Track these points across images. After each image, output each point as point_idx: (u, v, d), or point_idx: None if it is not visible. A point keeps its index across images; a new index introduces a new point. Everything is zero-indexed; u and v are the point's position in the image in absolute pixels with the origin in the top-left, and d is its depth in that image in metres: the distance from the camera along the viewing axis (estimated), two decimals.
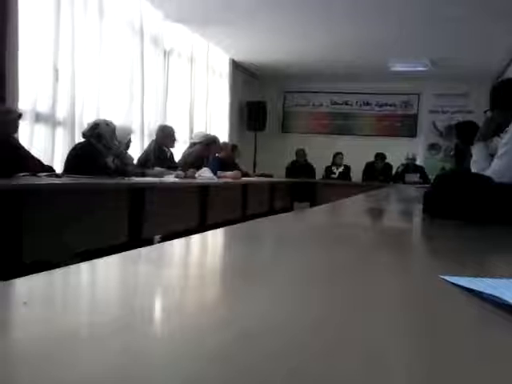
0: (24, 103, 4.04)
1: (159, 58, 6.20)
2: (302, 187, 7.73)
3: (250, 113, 8.89)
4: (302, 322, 0.43)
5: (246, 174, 6.35)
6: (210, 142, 5.51)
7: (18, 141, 3.58)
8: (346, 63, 7.93)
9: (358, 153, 8.53)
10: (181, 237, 0.87)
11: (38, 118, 4.28)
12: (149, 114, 5.90)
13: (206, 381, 0.31)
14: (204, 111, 7.49)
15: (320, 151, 8.68)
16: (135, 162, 4.70)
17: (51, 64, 4.39)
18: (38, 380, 0.30)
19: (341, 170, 8.42)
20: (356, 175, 8.36)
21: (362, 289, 0.58)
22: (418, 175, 7.68)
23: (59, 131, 4.56)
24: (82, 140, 3.97)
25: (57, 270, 0.56)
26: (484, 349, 0.39)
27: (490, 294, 0.50)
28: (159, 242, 4.01)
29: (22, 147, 3.54)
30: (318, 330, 0.41)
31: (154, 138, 5.19)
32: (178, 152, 5.54)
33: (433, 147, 8.94)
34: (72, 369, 0.31)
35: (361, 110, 9.38)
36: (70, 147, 4.16)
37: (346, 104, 9.42)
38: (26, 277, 0.51)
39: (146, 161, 4.80)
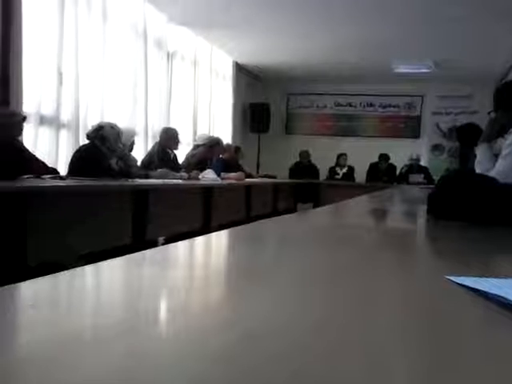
0: (28, 106, 4.06)
1: (163, 61, 6.22)
2: (305, 188, 7.72)
3: (254, 115, 8.91)
4: (306, 324, 0.43)
5: (249, 176, 6.36)
6: (213, 144, 5.52)
7: (22, 143, 3.59)
8: (350, 65, 7.93)
9: (361, 154, 8.53)
10: (185, 238, 0.88)
11: (43, 120, 4.30)
12: (152, 116, 5.92)
13: (210, 382, 0.31)
14: (207, 113, 7.50)
15: (324, 152, 8.69)
16: (139, 163, 4.71)
17: (55, 67, 4.41)
18: (44, 382, 0.30)
19: (344, 170, 8.41)
20: (360, 176, 8.35)
21: (366, 290, 0.58)
22: (422, 176, 7.66)
23: (63, 134, 4.57)
24: (86, 142, 3.99)
25: (62, 272, 0.56)
26: (489, 349, 0.39)
27: (495, 294, 0.50)
28: (163, 244, 4.01)
29: (27, 150, 3.55)
30: (321, 332, 0.41)
31: (157, 140, 5.20)
32: (181, 154, 5.55)
33: (436, 148, 8.92)
34: (77, 371, 0.31)
35: (364, 112, 9.38)
36: (74, 150, 4.17)
37: (350, 105, 9.42)
38: (32, 280, 0.51)
39: (150, 163, 4.81)
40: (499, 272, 0.74)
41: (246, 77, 8.87)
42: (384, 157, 8.23)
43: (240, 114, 8.76)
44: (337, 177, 8.36)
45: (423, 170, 7.92)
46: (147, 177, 4.22)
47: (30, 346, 0.35)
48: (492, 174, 1.74)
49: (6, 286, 0.48)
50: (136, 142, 4.64)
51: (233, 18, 6.03)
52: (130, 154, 4.35)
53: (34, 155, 3.62)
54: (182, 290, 0.55)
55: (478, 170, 1.98)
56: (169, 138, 5.06)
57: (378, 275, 0.68)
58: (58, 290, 0.56)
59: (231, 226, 1.13)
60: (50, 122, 4.40)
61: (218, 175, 5.15)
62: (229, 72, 8.20)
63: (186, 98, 6.84)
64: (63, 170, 4.04)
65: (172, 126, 5.67)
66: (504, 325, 0.45)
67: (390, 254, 0.91)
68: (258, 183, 5.97)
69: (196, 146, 5.65)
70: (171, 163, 4.96)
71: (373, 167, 8.30)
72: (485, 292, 0.52)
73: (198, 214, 4.19)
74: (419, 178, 7.58)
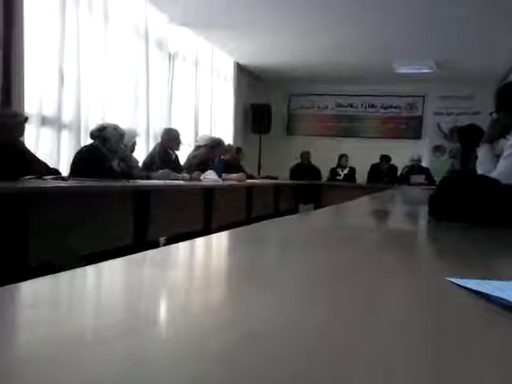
0: (30, 107, 4.06)
1: (164, 62, 6.22)
2: (306, 189, 7.73)
3: (255, 115, 8.91)
4: (307, 325, 0.43)
5: (250, 177, 6.36)
6: (214, 145, 5.52)
7: (24, 144, 3.60)
8: (351, 66, 7.93)
9: (363, 155, 8.53)
10: (186, 239, 0.87)
11: (44, 121, 4.30)
12: (154, 116, 5.92)
13: (211, 383, 0.31)
14: (209, 114, 7.50)
15: (325, 153, 8.69)
16: (140, 164, 4.71)
17: (57, 68, 4.41)
18: (44, 383, 0.30)
19: (346, 171, 8.42)
20: (361, 177, 8.35)
21: (368, 291, 0.57)
22: (424, 177, 7.66)
23: (65, 134, 4.58)
24: (88, 143, 4.00)
25: (62, 273, 0.56)
26: (491, 352, 0.39)
27: (498, 297, 0.50)
28: (164, 245, 4.02)
29: (28, 150, 3.56)
30: (322, 333, 0.41)
31: (159, 140, 5.20)
32: (183, 155, 5.55)
33: (438, 149, 8.92)
34: (77, 372, 0.31)
35: (366, 113, 9.38)
36: (76, 150, 4.18)
37: (351, 106, 9.42)
38: (32, 280, 0.51)
39: (151, 163, 4.82)
40: (501, 274, 0.74)
41: (248, 77, 8.88)
42: (385, 158, 8.23)
43: (241, 114, 8.76)
44: (338, 178, 8.36)
45: (424, 171, 7.92)
46: (149, 178, 4.22)
47: (30, 346, 0.35)
48: (494, 174, 1.74)
49: (6, 286, 0.48)
50: (137, 142, 4.65)
51: (234, 18, 6.04)
52: (131, 155, 4.36)
53: (36, 156, 3.63)
54: (182, 291, 0.55)
55: (479, 171, 1.98)
56: (170, 138, 5.06)
57: (380, 277, 0.67)
58: (58, 290, 0.55)
59: (232, 227, 1.13)
60: (52, 122, 4.41)
61: (220, 176, 5.15)
62: (230, 73, 8.20)
63: (188, 99, 6.85)
64: (65, 170, 4.05)
65: (173, 126, 5.68)
66: (506, 327, 0.45)
67: (392, 255, 0.91)
68: (259, 184, 5.97)
69: (197, 147, 5.66)
70: (172, 164, 4.96)
71: (374, 168, 8.30)
72: (487, 294, 0.51)
73: (199, 214, 4.19)
74: (420, 179, 7.58)
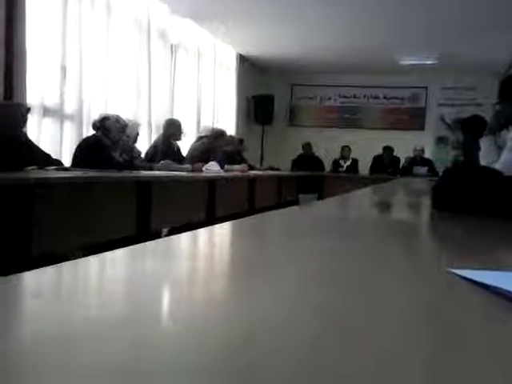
0: (32, 98, 4.06)
1: (166, 53, 6.21)
2: (309, 181, 7.72)
3: (257, 106, 8.88)
4: (310, 318, 0.43)
5: (252, 168, 6.36)
6: (217, 135, 5.52)
7: (26, 135, 3.60)
8: (354, 56, 7.90)
9: (365, 146, 8.51)
10: (188, 230, 0.88)
11: (46, 112, 4.30)
12: (156, 108, 5.91)
13: (211, 374, 0.31)
14: (211, 105, 7.49)
15: (328, 144, 8.68)
16: (143, 155, 4.72)
17: (59, 59, 4.41)
18: (48, 372, 0.30)
19: (348, 163, 8.40)
20: (364, 168, 8.34)
21: (369, 285, 0.58)
22: (427, 168, 7.64)
23: (67, 125, 4.58)
24: (90, 134, 4.00)
25: (65, 263, 0.57)
26: (493, 343, 0.39)
27: (499, 288, 0.50)
28: (167, 235, 4.03)
29: (31, 141, 3.56)
30: (323, 320, 0.41)
31: (161, 131, 5.20)
32: (185, 145, 5.55)
33: (441, 140, 8.89)
34: (80, 362, 0.31)
35: (369, 104, 9.34)
36: (78, 141, 4.18)
37: (354, 97, 9.38)
38: (36, 270, 0.51)
39: (154, 154, 4.82)
40: (504, 265, 0.74)
41: (250, 68, 8.85)
42: (388, 149, 8.21)
43: (244, 105, 8.74)
44: (340, 169, 8.35)
45: (427, 163, 7.90)
46: (151, 168, 4.22)
47: (35, 335, 0.35)
48: (496, 166, 1.74)
49: (9, 276, 0.48)
50: (140, 133, 4.64)
51: (236, 9, 6.01)
52: (134, 146, 4.36)
53: (38, 147, 3.63)
54: (185, 283, 0.55)
55: (482, 162, 1.98)
56: (172, 129, 5.06)
57: (382, 270, 0.67)
58: (61, 280, 0.56)
59: (235, 217, 1.13)
60: (54, 113, 4.41)
61: (222, 167, 5.15)
62: (232, 64, 8.18)
63: (190, 90, 6.83)
64: (67, 161, 4.06)
65: (176, 117, 5.67)
66: (507, 318, 0.45)
67: (394, 247, 0.91)
68: (261, 175, 5.97)
69: (199, 138, 5.66)
70: (175, 155, 4.97)
71: (377, 159, 8.28)
72: (489, 285, 0.51)
73: (201, 205, 4.20)
74: (423, 170, 7.56)
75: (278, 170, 7.29)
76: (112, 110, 4.67)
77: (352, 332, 0.39)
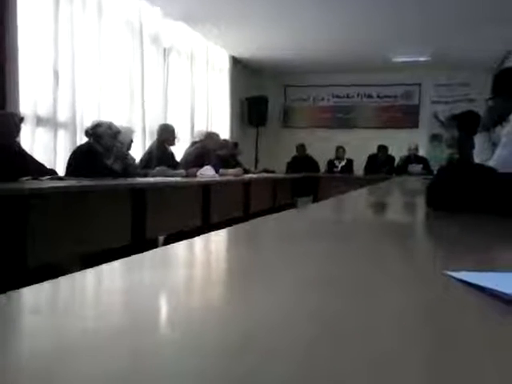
0: (25, 107, 4.04)
1: (159, 57, 6.20)
2: (304, 182, 7.72)
3: (251, 108, 8.88)
4: (306, 322, 0.43)
5: (247, 171, 6.35)
6: (208, 136, 5.54)
7: (19, 145, 3.59)
8: (347, 55, 7.91)
9: (360, 146, 8.52)
10: (184, 236, 0.88)
11: (39, 121, 4.29)
12: (150, 112, 5.90)
13: (210, 380, 0.31)
14: (205, 108, 7.48)
15: (322, 145, 8.68)
16: (138, 162, 4.71)
17: (51, 66, 4.39)
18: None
19: (343, 163, 8.41)
20: (359, 168, 8.35)
21: (365, 289, 0.58)
22: (421, 166, 7.66)
23: (61, 134, 4.56)
24: (83, 142, 3.98)
25: (63, 277, 0.57)
26: (489, 344, 0.39)
27: (494, 289, 0.50)
28: (163, 242, 4.02)
29: (24, 151, 3.54)
30: (320, 324, 0.41)
31: (155, 137, 5.19)
32: (179, 151, 5.54)
33: (435, 138, 8.90)
34: (79, 377, 0.31)
35: (362, 103, 9.35)
36: (72, 150, 4.16)
37: (347, 97, 9.39)
38: (33, 286, 0.51)
39: (149, 160, 4.81)
40: (499, 264, 0.75)
41: (243, 70, 8.85)
42: (382, 148, 8.22)
43: (237, 107, 8.74)
44: (335, 170, 8.36)
45: (421, 161, 7.91)
46: (145, 175, 4.21)
47: (34, 350, 0.35)
48: (491, 163, 1.74)
49: (7, 293, 0.48)
50: (134, 139, 4.63)
51: (228, 11, 6.01)
52: (128, 153, 4.35)
53: (32, 156, 3.62)
54: (184, 292, 0.55)
55: (476, 160, 1.98)
56: (166, 134, 5.06)
57: (378, 272, 0.68)
58: (58, 294, 0.56)
59: (231, 222, 1.13)
60: (47, 122, 4.39)
61: (217, 171, 5.14)
62: (225, 66, 8.18)
63: (183, 94, 6.82)
64: (61, 170, 4.04)
65: (169, 122, 5.66)
66: (503, 320, 0.45)
67: (390, 248, 0.91)
68: (256, 179, 5.96)
69: (193, 143, 5.66)
70: (169, 160, 4.96)
71: (371, 159, 8.29)
72: (484, 287, 0.52)
73: (197, 211, 4.19)
74: (418, 168, 7.58)
75: (272, 172, 7.29)
76: (105, 117, 4.66)
77: (348, 336, 0.39)
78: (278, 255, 0.80)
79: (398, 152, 8.19)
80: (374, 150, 8.29)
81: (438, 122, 8.84)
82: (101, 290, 0.59)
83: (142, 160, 4.86)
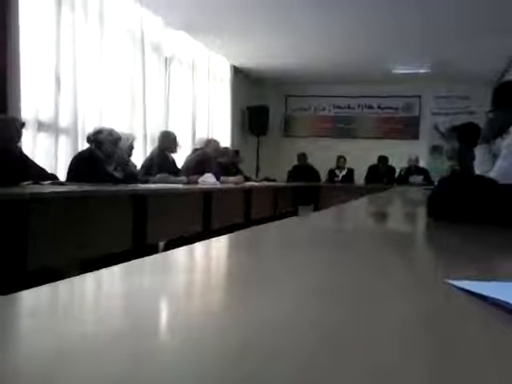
0: (26, 112, 4.06)
1: (160, 66, 6.23)
2: (305, 191, 7.72)
3: (252, 117, 8.91)
4: (306, 330, 0.43)
5: (248, 179, 6.36)
6: (208, 143, 5.56)
7: (21, 150, 3.59)
8: (348, 66, 7.94)
9: (360, 156, 8.54)
10: (185, 242, 0.87)
11: (41, 126, 4.30)
12: (151, 120, 5.92)
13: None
14: (206, 117, 7.51)
15: (323, 155, 8.70)
16: (139, 168, 4.71)
17: (53, 72, 4.41)
18: None
19: (344, 173, 8.42)
20: (359, 178, 8.36)
21: (367, 298, 0.57)
22: (422, 177, 7.68)
23: (62, 139, 4.57)
24: (85, 147, 4.00)
25: (62, 281, 0.56)
26: (491, 354, 0.39)
27: (496, 298, 0.50)
28: (163, 248, 4.02)
29: (26, 156, 3.55)
30: (321, 333, 0.41)
31: (156, 144, 5.20)
32: (181, 158, 5.55)
33: (436, 149, 8.91)
34: (79, 376, 0.31)
35: (363, 114, 9.38)
36: (73, 155, 4.17)
37: (348, 107, 9.42)
38: (32, 289, 0.51)
39: (150, 167, 4.82)
40: (500, 274, 0.74)
41: (244, 79, 8.89)
42: (383, 159, 8.24)
43: (239, 116, 8.77)
44: (336, 179, 8.37)
45: (422, 172, 7.93)
46: (147, 182, 4.22)
47: (33, 354, 0.35)
48: (491, 174, 1.74)
49: (6, 296, 0.48)
50: (135, 146, 4.64)
51: (229, 21, 6.04)
52: (129, 159, 4.35)
53: (33, 161, 3.62)
54: (184, 298, 0.55)
55: (477, 171, 1.98)
56: (168, 141, 5.07)
57: (379, 282, 0.67)
58: (58, 297, 0.55)
59: (231, 229, 1.13)
60: (49, 127, 4.41)
61: (218, 179, 5.15)
62: (226, 75, 8.21)
63: (185, 103, 6.85)
64: (63, 175, 4.05)
65: (171, 129, 5.68)
66: (506, 329, 0.45)
67: (391, 257, 0.91)
68: (257, 187, 5.97)
69: (195, 150, 5.67)
70: (170, 167, 4.97)
71: (372, 169, 8.31)
72: (486, 296, 0.51)
73: (197, 218, 4.19)
74: (419, 178, 7.60)
75: (273, 180, 7.30)
76: (107, 123, 4.67)
77: (348, 345, 0.39)
78: (278, 262, 0.80)
79: (398, 163, 8.21)
80: (374, 160, 8.31)
81: (439, 133, 8.85)
82: (100, 294, 0.59)
83: (143, 166, 4.87)
